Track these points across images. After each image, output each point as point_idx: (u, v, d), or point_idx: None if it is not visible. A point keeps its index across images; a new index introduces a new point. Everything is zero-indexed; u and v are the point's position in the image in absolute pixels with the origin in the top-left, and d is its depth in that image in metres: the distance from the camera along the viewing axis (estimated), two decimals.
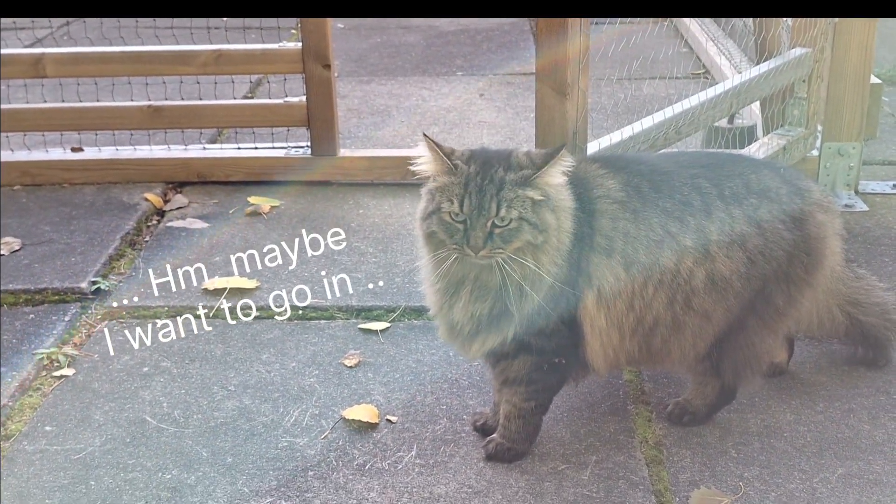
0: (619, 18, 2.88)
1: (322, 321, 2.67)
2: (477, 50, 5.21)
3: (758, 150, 3.17)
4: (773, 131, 3.33)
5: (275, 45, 3.39)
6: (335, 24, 5.69)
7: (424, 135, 1.93)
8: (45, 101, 3.62)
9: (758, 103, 3.44)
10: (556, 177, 1.90)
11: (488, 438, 2.14)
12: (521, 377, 2.04)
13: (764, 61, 3.22)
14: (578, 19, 2.21)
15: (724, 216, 2.01)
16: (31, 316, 2.68)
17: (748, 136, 3.42)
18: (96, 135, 3.59)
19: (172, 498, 2.02)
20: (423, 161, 1.95)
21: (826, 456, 2.09)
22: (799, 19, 3.23)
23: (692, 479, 2.04)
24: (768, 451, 2.11)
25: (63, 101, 3.56)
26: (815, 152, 3.37)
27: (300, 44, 3.31)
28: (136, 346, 2.55)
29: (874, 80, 3.28)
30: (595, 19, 2.46)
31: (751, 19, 3.54)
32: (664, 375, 2.36)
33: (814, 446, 2.12)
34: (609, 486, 2.02)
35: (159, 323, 2.66)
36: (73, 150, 3.54)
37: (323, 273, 2.89)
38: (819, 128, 3.37)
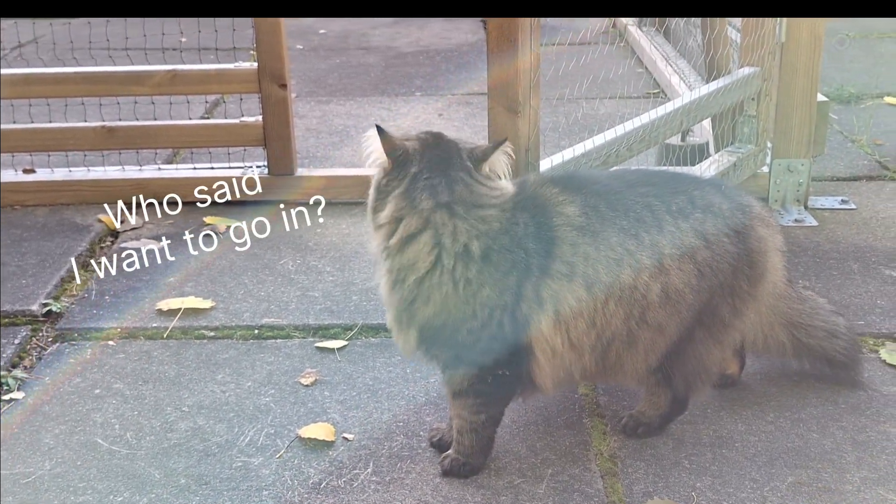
0: (570, 37, 2.92)
1: (279, 340, 2.66)
2: (436, 70, 5.25)
3: (709, 167, 3.22)
4: (724, 148, 3.39)
5: (230, 65, 3.39)
6: (294, 45, 5.71)
7: (377, 126, 1.98)
8: None
9: (709, 121, 3.49)
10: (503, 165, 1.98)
11: (444, 454, 2.14)
12: (465, 389, 2.05)
13: (714, 80, 3.27)
14: (528, 37, 2.24)
15: (674, 231, 2.05)
16: None
17: (700, 153, 3.48)
18: (49, 156, 3.56)
19: None
20: (373, 147, 2.00)
21: (776, 465, 2.12)
22: (748, 39, 3.30)
23: (646, 490, 2.05)
24: (720, 462, 2.13)
25: (15, 122, 3.53)
26: (765, 169, 3.43)
27: (256, 64, 3.31)
28: (87, 368, 2.53)
29: (821, 97, 3.35)
30: (545, 37, 2.49)
31: (701, 37, 3.60)
32: (619, 389, 2.38)
33: (764, 456, 2.15)
34: (564, 498, 2.03)
35: (112, 344, 2.63)
36: (25, 171, 3.51)
37: (279, 292, 2.88)
38: (769, 145, 3.43)
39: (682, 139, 3.52)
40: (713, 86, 3.15)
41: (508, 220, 1.97)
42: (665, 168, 3.33)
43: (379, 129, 1.98)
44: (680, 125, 3.01)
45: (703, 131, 3.65)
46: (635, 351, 2.07)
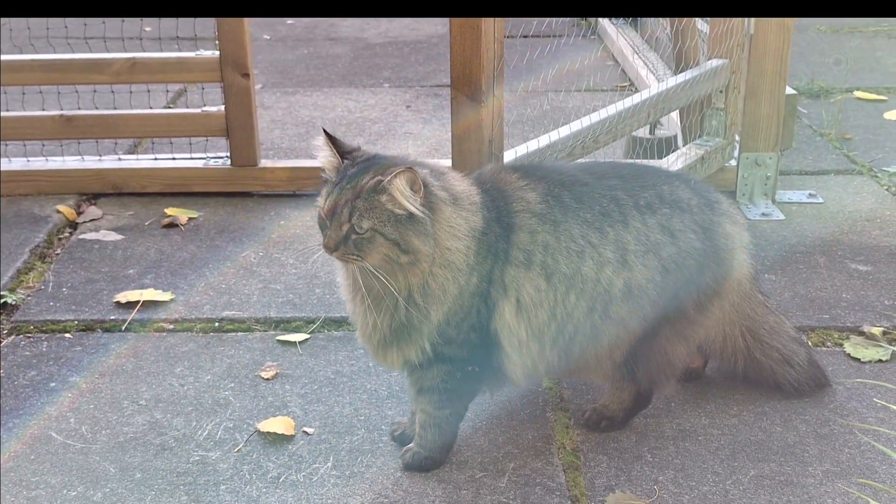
0: (535, 27, 2.90)
1: (239, 333, 2.62)
2: (405, 62, 5.21)
3: (677, 160, 3.20)
4: (692, 141, 3.38)
5: (191, 54, 3.33)
6: (261, 36, 5.64)
7: (323, 129, 1.95)
8: None
9: (677, 113, 3.48)
10: (403, 195, 1.84)
11: (405, 448, 2.11)
12: (436, 385, 2.02)
13: (681, 72, 3.26)
14: (492, 25, 2.21)
15: (640, 226, 2.03)
16: None
17: (668, 146, 3.46)
18: (6, 145, 3.48)
19: None
20: (322, 155, 1.97)
21: (739, 458, 2.10)
22: (716, 30, 3.29)
23: (608, 483, 2.03)
24: (683, 455, 2.12)
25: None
26: (733, 162, 3.43)
27: (217, 52, 3.25)
28: (43, 361, 2.47)
29: (790, 91, 3.35)
30: (510, 26, 2.46)
31: (669, 30, 3.59)
32: (583, 383, 2.36)
33: (727, 449, 2.13)
34: (526, 492, 2.01)
35: (68, 337, 2.58)
36: None
37: (241, 284, 2.84)
38: (737, 138, 3.42)
39: (651, 132, 3.51)
40: (680, 78, 3.13)
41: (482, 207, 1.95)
42: (635, 161, 3.32)
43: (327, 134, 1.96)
44: (647, 117, 3.00)
45: (672, 124, 3.63)
46: (599, 346, 2.05)
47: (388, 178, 1.84)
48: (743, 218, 2.24)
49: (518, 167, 2.09)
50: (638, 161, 3.31)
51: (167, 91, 4.09)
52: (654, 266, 2.02)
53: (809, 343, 2.51)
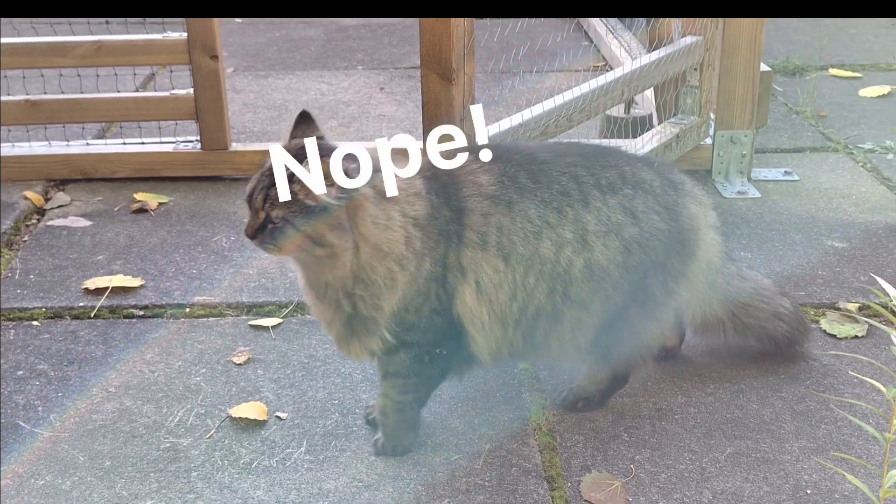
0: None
1: (211, 319, 2.58)
2: (378, 44, 5.16)
3: (652, 138, 3.18)
4: (667, 120, 3.36)
5: (159, 36, 3.27)
6: (232, 19, 5.57)
7: (304, 111, 1.94)
8: None
9: (652, 92, 3.46)
10: (318, 181, 1.77)
11: (377, 436, 2.08)
12: (402, 370, 1.99)
13: (655, 49, 3.24)
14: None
15: (601, 206, 1.99)
16: None
17: (643, 125, 3.44)
18: None
19: None
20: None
21: (715, 436, 2.09)
22: None
23: (584, 463, 2.02)
24: (659, 434, 2.10)
25: None
26: (708, 140, 3.41)
27: (185, 34, 3.20)
28: (10, 349, 2.42)
29: (764, 67, 3.33)
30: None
31: None
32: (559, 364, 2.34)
33: (703, 427, 2.12)
34: (502, 473, 1.99)
35: (36, 324, 2.53)
36: None
37: (212, 269, 2.80)
38: (712, 116, 3.40)
39: (626, 111, 3.49)
40: (654, 55, 3.11)
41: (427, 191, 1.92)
42: (599, 142, 3.30)
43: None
44: (621, 95, 2.97)
45: (647, 103, 3.61)
46: (561, 328, 2.02)
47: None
48: (708, 198, 2.20)
49: (474, 147, 2.04)
50: (613, 140, 3.29)
51: (135, 75, 4.02)
52: (616, 247, 1.99)
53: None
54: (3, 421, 2.17)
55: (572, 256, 1.97)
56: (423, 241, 1.90)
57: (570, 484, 1.96)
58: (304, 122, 1.94)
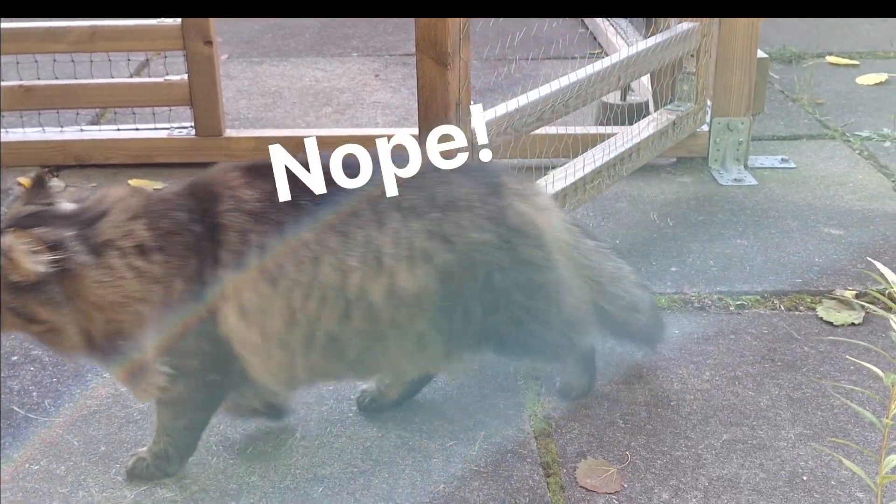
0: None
1: None
2: (373, 31, 5.14)
3: (648, 125, 3.17)
4: (663, 107, 3.35)
5: (153, 21, 3.25)
6: None
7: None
8: None
9: (649, 80, 3.45)
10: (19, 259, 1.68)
11: (132, 454, 1.99)
12: (175, 397, 1.89)
13: (651, 35, 3.22)
14: None
15: (399, 227, 1.84)
16: None
17: (639, 111, 3.43)
18: None
19: (40, 489, 1.91)
20: None
21: (711, 423, 2.09)
22: None
23: (580, 450, 2.01)
24: (655, 421, 2.10)
25: None
26: (705, 128, 3.40)
27: (180, 20, 3.18)
28: (5, 335, 2.41)
29: (761, 54, 3.32)
30: None
31: None
32: None
33: (699, 414, 2.12)
34: (497, 459, 1.99)
35: None
36: None
37: None
38: (709, 103, 3.39)
39: (623, 98, 3.47)
40: (651, 41, 3.09)
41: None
42: (596, 129, 3.28)
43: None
44: (618, 81, 2.95)
45: (644, 90, 3.60)
46: (389, 348, 1.89)
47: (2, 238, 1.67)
48: (534, 189, 2.10)
49: (243, 164, 1.91)
50: (610, 127, 3.28)
51: (129, 61, 4.01)
52: (427, 271, 1.85)
53: (738, 306, 2.51)
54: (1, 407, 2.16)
55: (366, 283, 1.83)
56: (165, 265, 1.78)
57: (565, 470, 1.96)
58: (39, 186, 1.84)
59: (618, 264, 2.16)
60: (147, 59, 4.42)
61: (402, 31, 5.09)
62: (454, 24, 2.19)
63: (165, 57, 3.73)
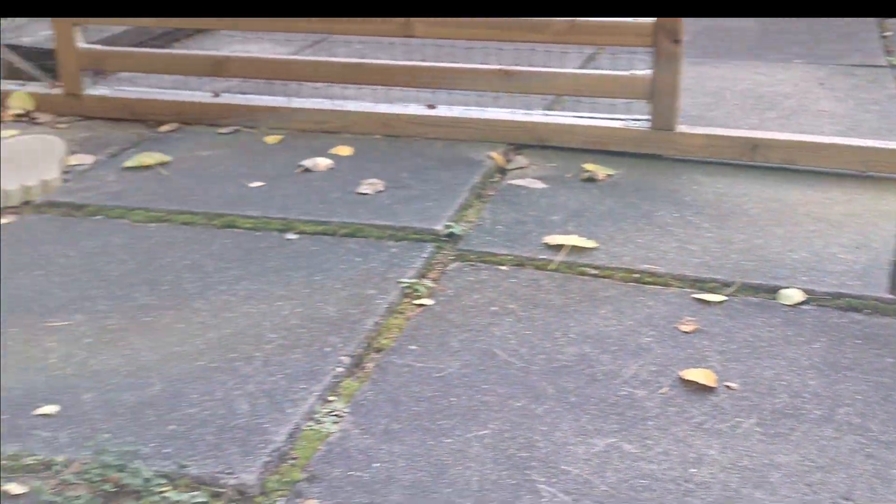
0: None
1: (657, 286, 2.75)
2: (815, 38, 5.05)
3: None
4: None
5: (628, 19, 3.48)
6: None
7: None
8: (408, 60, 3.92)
9: None
10: None
11: None
12: None
13: None
14: None
15: None
16: (394, 249, 2.96)
17: None
18: (449, 93, 3.86)
19: (523, 423, 2.19)
20: None
21: None
22: None
23: None
24: None
25: (423, 59, 3.86)
26: None
27: (653, 19, 3.38)
28: (484, 287, 2.76)
29: None
30: None
31: None
32: None
33: None
34: None
35: (504, 269, 2.85)
36: (428, 106, 3.84)
37: (657, 241, 2.97)
38: None
39: None
40: None
41: None
42: None
43: None
44: None
45: None
46: None
47: None
48: None
49: None
50: None
51: (580, 54, 4.29)
52: None
53: None
54: (482, 347, 2.48)
55: None
56: None
57: None
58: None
59: None
60: (593, 54, 4.70)
61: (845, 40, 4.96)
62: None
63: (613, 55, 3.96)
